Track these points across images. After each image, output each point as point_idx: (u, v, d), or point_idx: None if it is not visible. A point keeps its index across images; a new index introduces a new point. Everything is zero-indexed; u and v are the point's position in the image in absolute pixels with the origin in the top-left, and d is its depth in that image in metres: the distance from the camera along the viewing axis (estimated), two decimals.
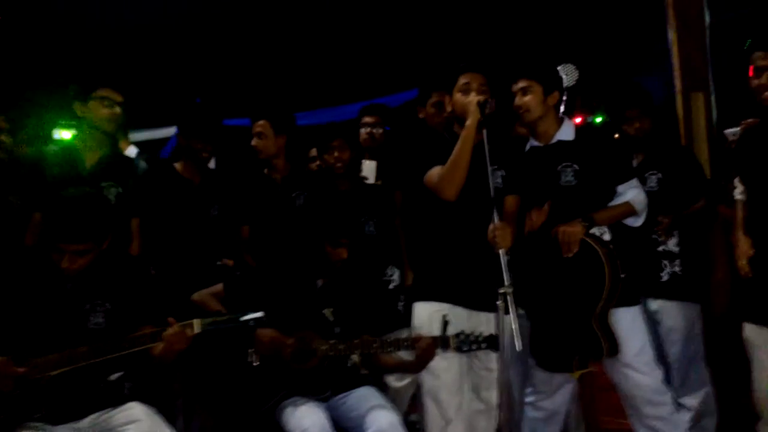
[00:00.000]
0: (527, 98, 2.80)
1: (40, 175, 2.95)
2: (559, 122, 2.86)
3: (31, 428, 2.26)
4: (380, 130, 3.69)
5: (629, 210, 2.82)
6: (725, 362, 3.30)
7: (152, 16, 5.15)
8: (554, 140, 2.84)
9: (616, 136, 3.33)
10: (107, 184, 2.97)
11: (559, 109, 2.88)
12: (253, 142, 3.35)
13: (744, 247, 2.67)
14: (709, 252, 3.41)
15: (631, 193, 2.82)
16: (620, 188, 2.82)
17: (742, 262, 2.66)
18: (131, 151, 3.32)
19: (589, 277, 2.66)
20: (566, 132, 2.85)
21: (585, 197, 2.78)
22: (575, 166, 2.79)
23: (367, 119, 3.71)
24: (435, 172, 2.69)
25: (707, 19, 4.08)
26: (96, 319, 2.40)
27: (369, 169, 3.48)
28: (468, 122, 2.65)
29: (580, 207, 2.75)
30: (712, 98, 3.96)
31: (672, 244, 3.16)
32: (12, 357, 2.25)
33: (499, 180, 2.76)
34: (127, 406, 2.36)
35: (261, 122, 3.34)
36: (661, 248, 3.15)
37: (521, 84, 2.81)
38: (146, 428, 2.30)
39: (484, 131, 2.60)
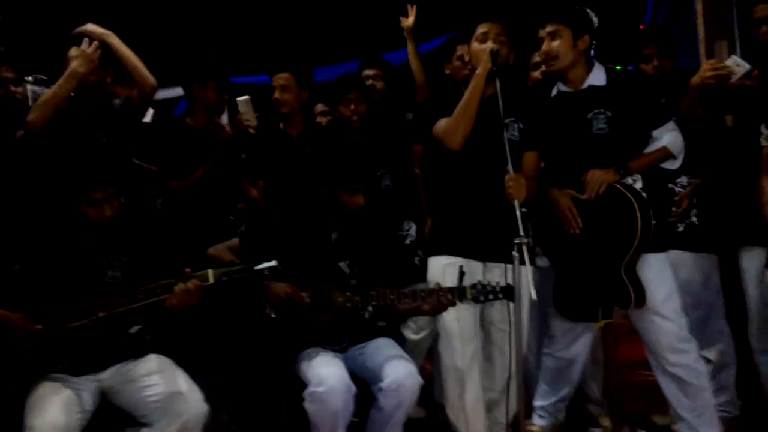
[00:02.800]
0: (556, 43, 2.68)
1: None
2: (590, 67, 2.75)
3: (54, 380, 2.30)
4: (381, 83, 3.62)
5: (666, 154, 2.75)
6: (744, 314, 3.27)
7: None
8: (585, 85, 2.73)
9: None
10: (100, 129, 2.97)
11: (590, 54, 2.77)
12: (276, 95, 3.26)
13: None
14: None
15: (668, 137, 2.73)
16: (655, 133, 2.73)
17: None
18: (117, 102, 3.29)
19: (620, 226, 2.61)
20: (597, 77, 2.74)
21: (618, 145, 2.70)
22: (608, 112, 2.69)
23: (368, 72, 3.63)
24: (442, 122, 2.65)
25: None
26: (113, 273, 2.44)
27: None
28: (477, 71, 2.58)
29: (613, 156, 2.68)
30: (737, 46, 3.85)
31: None
32: (29, 312, 2.28)
33: (516, 133, 2.69)
34: (147, 358, 2.40)
35: (285, 75, 3.27)
36: (678, 198, 3.07)
37: (549, 28, 2.68)
38: (166, 379, 2.34)
39: (497, 82, 2.52)
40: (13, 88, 3.03)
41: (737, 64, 2.85)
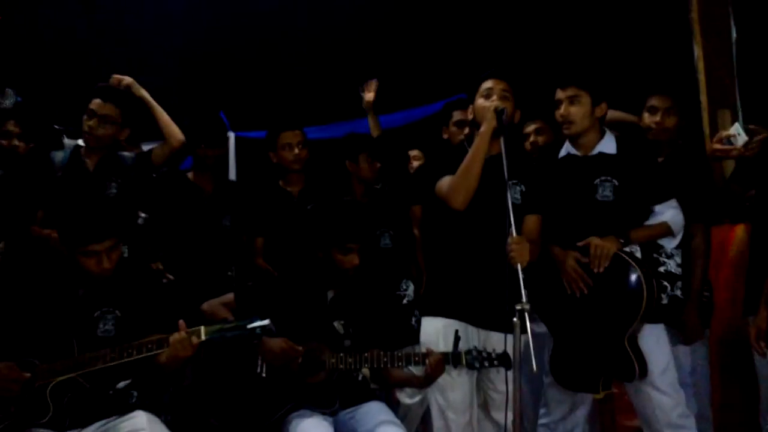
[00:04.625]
0: (574, 108, 2.67)
1: (49, 178, 3.01)
2: (602, 134, 2.75)
3: None
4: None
5: (666, 230, 2.73)
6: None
7: (173, 30, 5.23)
8: (595, 152, 2.72)
9: None
10: (109, 181, 3.05)
11: (603, 121, 2.77)
12: (296, 150, 3.27)
13: (763, 324, 2.53)
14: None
15: (670, 213, 2.72)
16: (658, 208, 2.72)
17: (754, 342, 2.54)
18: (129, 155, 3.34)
19: (624, 295, 2.56)
20: (608, 145, 2.73)
21: (622, 214, 2.68)
22: (615, 181, 2.68)
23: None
24: (445, 181, 2.61)
25: (734, 34, 4.01)
26: (105, 326, 2.40)
27: None
28: (482, 129, 2.56)
29: (616, 224, 2.66)
30: (739, 114, 3.88)
31: (673, 265, 2.95)
32: (18, 363, 2.25)
33: (518, 195, 2.66)
34: (132, 415, 2.33)
35: (298, 131, 3.32)
36: (662, 269, 2.93)
37: (569, 92, 2.67)
38: None
39: (502, 141, 2.49)
40: (16, 142, 3.09)
41: (738, 133, 2.79)
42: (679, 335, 2.96)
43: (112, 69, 3.23)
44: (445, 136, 3.41)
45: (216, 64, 5.51)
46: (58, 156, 3.12)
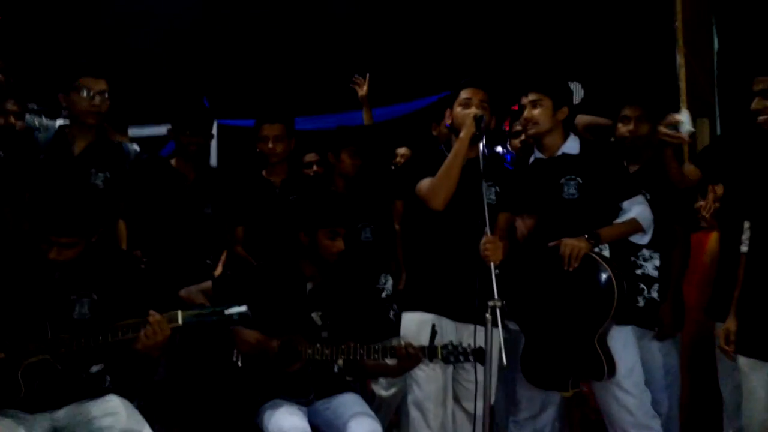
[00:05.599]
0: (536, 111, 2.79)
1: (31, 160, 2.95)
2: (566, 136, 2.85)
3: (6, 416, 2.24)
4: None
5: (635, 227, 2.79)
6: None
7: (162, 14, 5.20)
8: (559, 153, 2.83)
9: None
10: (95, 170, 2.98)
11: (568, 125, 2.88)
12: (270, 145, 3.27)
13: (732, 327, 2.55)
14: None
15: (637, 209, 2.78)
16: (625, 204, 2.79)
17: (723, 345, 2.57)
18: (134, 149, 3.32)
19: (594, 295, 2.61)
20: (571, 146, 2.84)
21: (588, 211, 2.76)
22: (579, 179, 2.77)
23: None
24: (425, 182, 2.73)
25: (716, 45, 4.10)
26: (81, 309, 2.39)
27: None
28: (462, 135, 2.68)
29: (583, 221, 2.73)
30: (718, 124, 3.95)
31: (650, 268, 2.99)
32: None
33: (493, 196, 2.76)
34: (105, 399, 2.34)
35: (278, 125, 3.31)
36: (639, 272, 2.99)
37: (532, 97, 2.82)
38: (123, 421, 2.27)
39: (481, 146, 2.61)
40: (13, 121, 3.05)
41: (683, 120, 2.77)
42: (655, 337, 3.02)
43: (95, 53, 3.20)
44: (435, 133, 3.44)
45: (201, 50, 5.49)
46: (42, 136, 3.07)
